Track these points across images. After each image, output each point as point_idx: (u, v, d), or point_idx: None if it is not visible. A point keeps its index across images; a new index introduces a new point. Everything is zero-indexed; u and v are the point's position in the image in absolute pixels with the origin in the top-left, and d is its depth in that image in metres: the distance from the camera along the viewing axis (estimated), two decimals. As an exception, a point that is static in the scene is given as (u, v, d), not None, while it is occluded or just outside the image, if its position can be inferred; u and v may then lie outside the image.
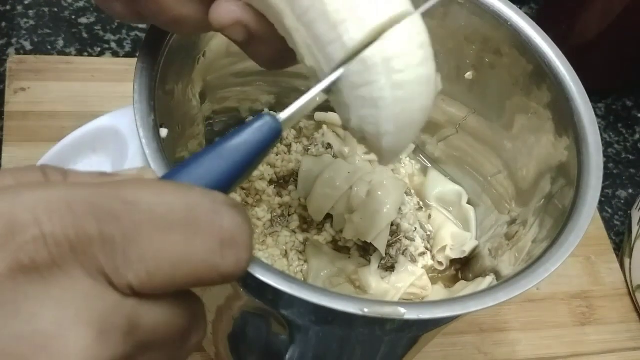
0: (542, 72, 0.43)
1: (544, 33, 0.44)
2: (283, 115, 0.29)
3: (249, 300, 0.38)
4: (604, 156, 0.79)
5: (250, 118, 0.31)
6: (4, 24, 0.71)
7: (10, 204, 0.22)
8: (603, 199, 0.76)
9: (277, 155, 0.53)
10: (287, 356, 0.41)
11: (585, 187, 0.38)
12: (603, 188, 0.76)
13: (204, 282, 0.25)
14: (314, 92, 0.31)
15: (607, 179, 0.78)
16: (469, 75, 0.49)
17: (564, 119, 0.41)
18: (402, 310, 0.32)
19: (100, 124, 0.38)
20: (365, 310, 0.32)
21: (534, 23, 0.44)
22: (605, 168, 0.78)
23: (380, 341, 0.40)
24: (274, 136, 0.29)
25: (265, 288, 0.32)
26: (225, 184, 0.28)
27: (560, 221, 0.37)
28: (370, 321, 0.35)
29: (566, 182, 0.40)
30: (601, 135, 0.75)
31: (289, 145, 0.54)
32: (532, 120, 0.45)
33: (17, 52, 0.70)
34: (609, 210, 0.76)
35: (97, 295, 0.22)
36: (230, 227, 0.25)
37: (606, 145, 0.81)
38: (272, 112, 0.29)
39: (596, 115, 0.76)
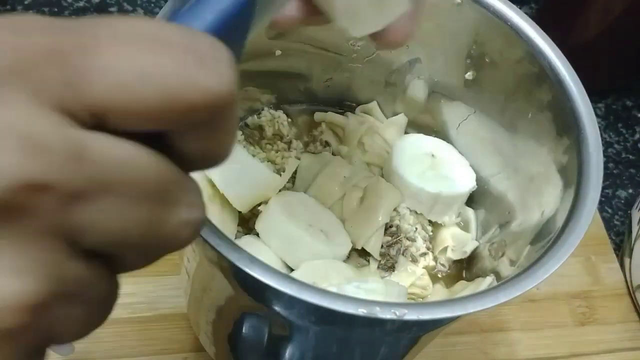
0: (542, 72, 0.43)
1: (544, 33, 0.44)
2: None
3: (249, 301, 0.38)
4: (604, 156, 0.78)
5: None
6: (3, 23, 0.71)
7: None
8: (603, 199, 0.76)
9: (277, 152, 0.53)
10: (287, 356, 0.41)
11: (586, 187, 0.38)
12: (603, 188, 0.76)
13: (179, 102, 0.20)
14: None
15: (607, 179, 0.78)
16: (469, 75, 0.49)
17: (564, 119, 0.41)
18: (401, 310, 0.32)
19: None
20: (364, 310, 0.32)
21: (534, 23, 0.44)
22: (605, 168, 0.78)
23: (381, 341, 0.40)
24: None
25: (265, 288, 0.32)
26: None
27: (561, 221, 0.37)
28: (370, 322, 0.35)
29: (566, 182, 0.40)
30: (601, 135, 0.75)
31: (289, 142, 0.54)
32: (532, 120, 0.44)
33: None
34: (609, 210, 0.76)
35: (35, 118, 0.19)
36: (209, 45, 0.21)
37: (606, 145, 0.81)
38: None
39: (596, 115, 0.76)
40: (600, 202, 0.73)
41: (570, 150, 0.40)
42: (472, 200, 0.52)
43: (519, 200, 0.46)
